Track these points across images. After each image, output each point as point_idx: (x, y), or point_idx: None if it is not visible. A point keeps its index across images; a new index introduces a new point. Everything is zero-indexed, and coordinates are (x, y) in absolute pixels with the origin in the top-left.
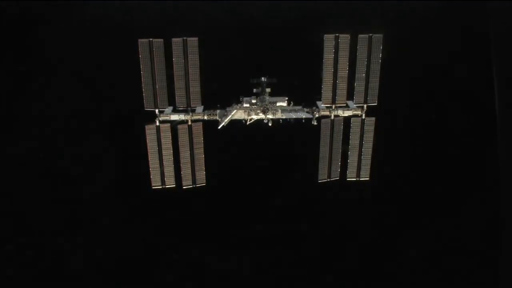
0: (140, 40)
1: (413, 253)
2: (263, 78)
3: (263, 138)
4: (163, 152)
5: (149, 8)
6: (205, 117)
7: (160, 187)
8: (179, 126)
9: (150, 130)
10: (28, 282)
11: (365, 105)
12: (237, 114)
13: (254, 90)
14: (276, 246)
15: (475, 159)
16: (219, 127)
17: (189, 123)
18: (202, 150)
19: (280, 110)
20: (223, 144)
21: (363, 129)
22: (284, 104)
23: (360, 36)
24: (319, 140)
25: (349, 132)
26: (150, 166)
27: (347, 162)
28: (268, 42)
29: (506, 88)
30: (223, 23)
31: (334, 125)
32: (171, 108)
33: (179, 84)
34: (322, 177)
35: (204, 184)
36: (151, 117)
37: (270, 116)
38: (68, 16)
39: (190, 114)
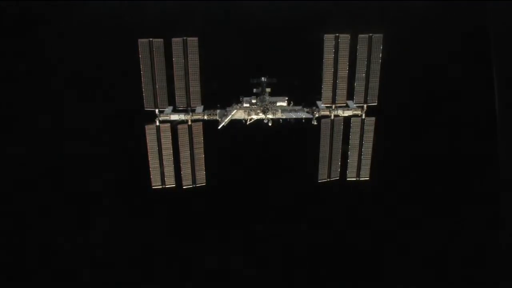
0: (140, 40)
1: (413, 253)
2: (263, 78)
3: (263, 138)
4: (163, 152)
5: (149, 8)
6: (205, 117)
7: (160, 187)
8: (179, 126)
9: (150, 130)
10: (28, 282)
11: (365, 105)
12: (237, 114)
13: (254, 90)
14: (276, 246)
15: (475, 159)
16: (219, 127)
17: (189, 123)
18: (202, 150)
19: (280, 110)
20: (223, 144)
21: (363, 129)
22: (284, 104)
23: (360, 36)
24: (319, 140)
25: (349, 132)
26: (150, 166)
27: (347, 162)
28: (268, 42)
29: (506, 88)
30: (223, 23)
31: (334, 125)
32: (171, 108)
33: (179, 84)
34: (322, 177)
35: (204, 184)
36: (151, 117)
37: (270, 116)
38: (68, 16)
39: (190, 114)
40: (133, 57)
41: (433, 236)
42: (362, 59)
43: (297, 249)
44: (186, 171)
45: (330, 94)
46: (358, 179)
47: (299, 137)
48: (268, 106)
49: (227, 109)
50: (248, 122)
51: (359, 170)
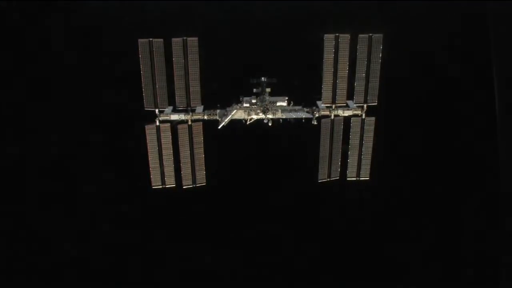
0: (140, 40)
1: (413, 253)
2: (263, 78)
3: (263, 138)
4: (163, 152)
5: (149, 8)
6: (205, 117)
7: (160, 187)
8: (179, 126)
9: (150, 130)
10: (28, 282)
11: (365, 105)
12: (237, 114)
13: (254, 90)
14: (276, 246)
15: (475, 159)
16: (219, 127)
17: (189, 123)
18: (202, 150)
19: (280, 110)
20: (223, 144)
21: (363, 129)
22: (284, 104)
23: (360, 36)
24: (319, 140)
25: (349, 132)
26: (150, 166)
27: (347, 162)
28: (268, 42)
29: (506, 88)
30: (223, 23)
31: (334, 125)
32: (171, 108)
33: (179, 84)
34: (322, 177)
35: (204, 184)
36: (151, 117)
37: (270, 116)
38: (68, 16)
39: (190, 114)
40: (133, 57)
41: (433, 236)
42: (362, 59)
43: (297, 249)
44: (186, 171)
45: (330, 94)
46: (358, 179)
47: (299, 137)
48: (268, 106)
49: (227, 109)
50: (248, 122)
51: (359, 170)
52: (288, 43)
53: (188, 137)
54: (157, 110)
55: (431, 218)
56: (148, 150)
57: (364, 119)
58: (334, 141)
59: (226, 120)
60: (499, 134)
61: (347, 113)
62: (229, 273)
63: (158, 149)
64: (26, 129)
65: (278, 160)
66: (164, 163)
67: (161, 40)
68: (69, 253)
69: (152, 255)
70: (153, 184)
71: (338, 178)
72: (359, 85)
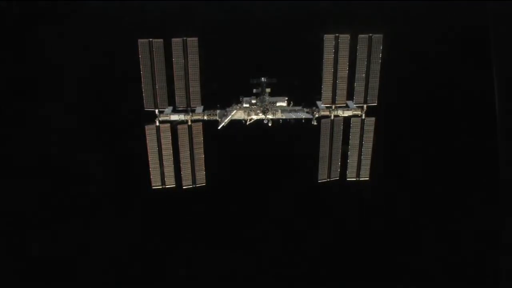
0: (140, 40)
1: (413, 253)
2: (263, 78)
3: (263, 138)
4: (163, 152)
5: (149, 8)
6: (205, 117)
7: (160, 187)
8: (179, 126)
9: (150, 130)
10: (28, 282)
11: (365, 105)
12: (237, 114)
13: (254, 90)
14: (276, 246)
15: (475, 159)
16: (219, 127)
17: (189, 123)
18: (202, 150)
19: (280, 110)
20: (223, 144)
21: (363, 129)
22: (284, 104)
23: (360, 36)
24: (319, 140)
25: (349, 132)
26: (150, 166)
27: (347, 162)
28: (268, 42)
29: (506, 88)
30: (223, 23)
31: (334, 125)
32: (171, 108)
33: (179, 84)
34: (322, 177)
35: (204, 184)
36: (151, 117)
37: (270, 116)
38: (68, 16)
39: (190, 114)
40: (133, 57)
41: (433, 236)
42: (362, 59)
43: (297, 249)
44: (186, 171)
45: (330, 94)
46: (358, 179)
47: (299, 137)
48: (268, 106)
49: (227, 109)
50: (248, 122)
51: (359, 170)
52: (288, 43)
53: (188, 138)
54: (157, 111)
55: (431, 218)
56: (148, 151)
57: (364, 119)
58: (334, 141)
59: (226, 121)
60: (499, 134)
61: (347, 113)
62: (229, 273)
63: (158, 149)
64: (26, 129)
65: (278, 160)
66: (164, 164)
67: (161, 40)
68: (69, 253)
69: (152, 255)
70: (153, 184)
71: (338, 178)
72: (359, 85)
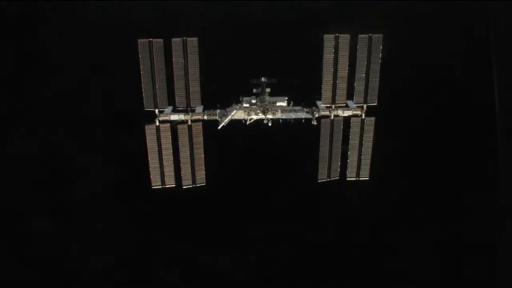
0: (140, 40)
1: (413, 253)
2: (263, 78)
3: (263, 138)
4: (163, 152)
5: (149, 8)
6: (205, 117)
7: (160, 187)
8: (179, 126)
9: (150, 130)
10: (28, 282)
11: (365, 105)
12: (237, 114)
13: (254, 90)
14: (276, 246)
15: (475, 159)
16: (219, 127)
17: (189, 123)
18: (202, 150)
19: (280, 110)
20: (223, 144)
21: (363, 129)
22: (284, 104)
23: (360, 36)
24: (319, 140)
25: (349, 132)
26: (150, 166)
27: (347, 162)
28: (268, 42)
29: (506, 88)
30: (223, 23)
31: (334, 125)
32: (171, 108)
33: (179, 84)
34: (322, 177)
35: (204, 184)
36: (151, 117)
37: (270, 116)
38: (68, 16)
39: (190, 114)
40: (133, 57)
41: (433, 236)
42: (362, 59)
43: (297, 249)
44: (186, 171)
45: (330, 94)
46: (358, 179)
47: (299, 137)
48: (268, 106)
49: (227, 109)
50: (248, 122)
51: (359, 170)
52: (288, 43)
53: (188, 137)
54: (157, 110)
55: (431, 218)
56: (148, 150)
57: (364, 119)
58: (334, 141)
59: (226, 121)
60: (499, 134)
61: (347, 113)
62: (229, 273)
63: (158, 149)
64: (26, 129)
65: (278, 160)
66: (164, 163)
67: (161, 40)
68: (69, 253)
69: (152, 255)
70: (153, 184)
71: (338, 178)
72: (359, 85)
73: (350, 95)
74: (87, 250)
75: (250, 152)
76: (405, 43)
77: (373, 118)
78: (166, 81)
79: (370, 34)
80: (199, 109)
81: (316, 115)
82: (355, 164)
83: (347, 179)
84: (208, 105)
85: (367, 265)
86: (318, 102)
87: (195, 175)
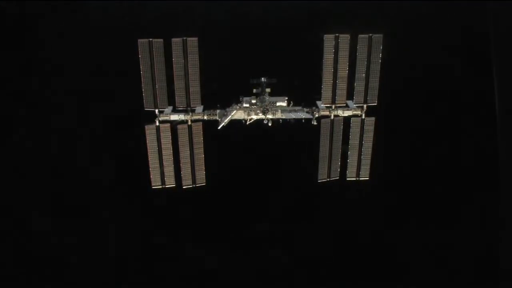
0: (140, 40)
1: (413, 253)
2: (263, 78)
3: (263, 138)
4: (163, 152)
5: (149, 8)
6: (205, 117)
7: (160, 187)
8: (179, 126)
9: (150, 130)
10: (28, 282)
11: (365, 105)
12: (237, 114)
13: (254, 90)
14: (276, 246)
15: (475, 159)
16: (219, 127)
17: (189, 123)
18: (202, 150)
19: (280, 110)
20: (223, 144)
21: (363, 129)
22: (284, 104)
23: (360, 36)
24: (319, 140)
25: (349, 132)
26: (150, 166)
27: (347, 162)
28: (268, 42)
29: (506, 88)
30: (223, 23)
31: (334, 125)
32: (171, 108)
33: (179, 84)
34: (322, 177)
35: (204, 184)
36: (151, 117)
37: (270, 116)
38: (68, 16)
39: (190, 114)
40: (133, 57)
41: (433, 236)
42: (362, 59)
43: (297, 249)
44: (186, 171)
45: (330, 94)
46: (358, 179)
47: (299, 137)
48: (268, 106)
49: (227, 109)
50: (248, 122)
51: (359, 170)
52: (288, 43)
53: (188, 137)
54: (157, 110)
55: (431, 218)
56: (148, 150)
57: (364, 119)
58: (333, 141)
59: (226, 121)
60: (499, 134)
61: (347, 113)
62: (229, 273)
63: (158, 149)
64: (26, 129)
65: (278, 160)
66: (164, 163)
67: (161, 40)
68: (69, 253)
69: (152, 255)
70: (153, 184)
71: (338, 178)
72: (359, 85)
73: (350, 95)
74: (87, 250)
75: (250, 152)
76: (405, 43)
77: (373, 118)
78: (166, 81)
79: (370, 34)
80: (199, 109)
81: (316, 115)
82: (355, 164)
83: (347, 179)
84: (208, 105)
85: (367, 265)
86: (318, 102)
87: (195, 175)
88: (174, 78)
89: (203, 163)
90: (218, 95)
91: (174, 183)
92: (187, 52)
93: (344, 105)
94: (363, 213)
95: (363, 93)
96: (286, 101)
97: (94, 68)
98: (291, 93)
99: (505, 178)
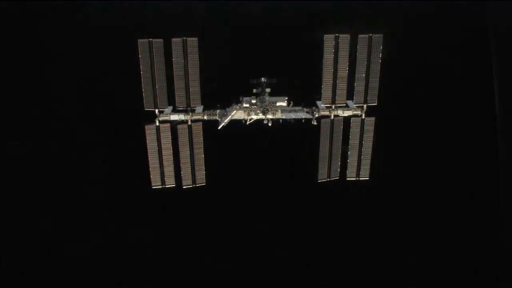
0: (140, 40)
1: (413, 253)
2: (263, 78)
3: (263, 138)
4: (163, 152)
5: (149, 8)
6: (205, 117)
7: (160, 187)
8: (179, 126)
9: (150, 130)
10: (28, 282)
11: (365, 105)
12: (237, 114)
13: (254, 90)
14: (276, 246)
15: (475, 159)
16: (219, 127)
17: (189, 123)
18: (202, 150)
19: (280, 110)
20: (223, 144)
21: (363, 129)
22: (284, 104)
23: (360, 36)
24: (319, 140)
25: (349, 132)
26: (150, 166)
27: (347, 162)
28: (268, 42)
29: (506, 88)
30: (223, 23)
31: (334, 125)
32: (171, 108)
33: (179, 84)
34: (322, 177)
35: (204, 184)
36: (151, 117)
37: (270, 116)
38: (68, 16)
39: (190, 114)
40: (133, 57)
41: (433, 236)
42: (362, 59)
43: (297, 249)
44: (186, 171)
45: (330, 94)
46: (357, 179)
47: (299, 137)
48: (268, 106)
49: (227, 109)
50: (248, 122)
51: (359, 170)
52: (288, 43)
53: (188, 137)
54: (157, 110)
55: (431, 218)
56: (148, 150)
57: (364, 119)
58: (334, 141)
59: (226, 121)
60: (499, 134)
61: (347, 113)
62: (229, 273)
63: (158, 149)
64: (26, 129)
65: (278, 160)
66: (164, 163)
67: (161, 40)
68: (69, 253)
69: (152, 255)
70: (153, 184)
71: (338, 178)
72: (359, 85)
73: (350, 95)
74: (87, 250)
75: (250, 152)
76: (405, 43)
77: (373, 118)
78: (166, 81)
79: (370, 34)
80: (199, 109)
81: (316, 115)
82: (355, 164)
83: (347, 179)
84: (208, 105)
85: (367, 265)
86: (318, 102)
87: (195, 175)
88: (174, 78)
89: (203, 163)
90: (218, 95)
91: (174, 183)
92: (187, 52)
93: (344, 105)
94: (363, 213)
95: (363, 93)
96: (286, 101)
97: (94, 68)
98: (291, 93)
99: (505, 178)
